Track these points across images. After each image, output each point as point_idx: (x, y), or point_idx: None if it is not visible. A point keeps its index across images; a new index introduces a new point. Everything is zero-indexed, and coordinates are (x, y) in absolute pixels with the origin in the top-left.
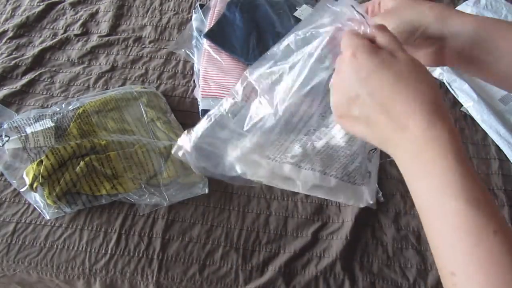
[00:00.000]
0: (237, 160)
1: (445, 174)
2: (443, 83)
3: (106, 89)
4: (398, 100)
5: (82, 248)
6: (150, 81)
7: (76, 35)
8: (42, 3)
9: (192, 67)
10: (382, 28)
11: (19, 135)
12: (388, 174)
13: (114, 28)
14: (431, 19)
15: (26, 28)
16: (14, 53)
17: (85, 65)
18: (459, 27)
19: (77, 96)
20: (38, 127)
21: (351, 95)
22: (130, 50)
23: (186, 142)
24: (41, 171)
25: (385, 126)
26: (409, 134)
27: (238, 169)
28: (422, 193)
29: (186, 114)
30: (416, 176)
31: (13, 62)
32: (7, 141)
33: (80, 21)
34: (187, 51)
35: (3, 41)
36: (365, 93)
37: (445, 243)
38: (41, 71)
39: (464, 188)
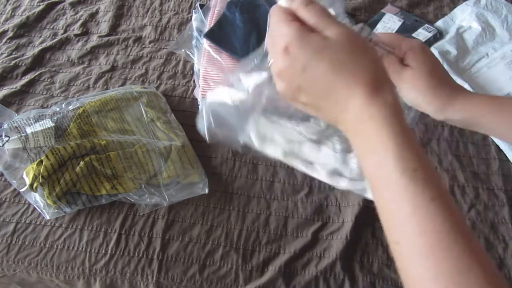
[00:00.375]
0: (252, 131)
1: (382, 149)
2: None
3: (106, 89)
4: (337, 86)
5: (82, 248)
6: (150, 81)
7: (76, 35)
8: (42, 3)
9: (192, 67)
10: (308, 2)
11: (19, 135)
12: None
13: (114, 28)
14: (432, 109)
15: (26, 28)
16: (14, 53)
17: (85, 65)
18: (453, 115)
19: (77, 96)
20: (38, 127)
21: (294, 86)
22: (130, 50)
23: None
24: (41, 171)
25: (330, 110)
26: (349, 115)
27: (254, 141)
28: (367, 169)
29: (186, 114)
30: (361, 153)
31: (13, 62)
32: (7, 141)
33: (80, 21)
34: (187, 51)
35: (3, 41)
36: (305, 85)
37: (389, 215)
38: (41, 71)
39: (400, 160)
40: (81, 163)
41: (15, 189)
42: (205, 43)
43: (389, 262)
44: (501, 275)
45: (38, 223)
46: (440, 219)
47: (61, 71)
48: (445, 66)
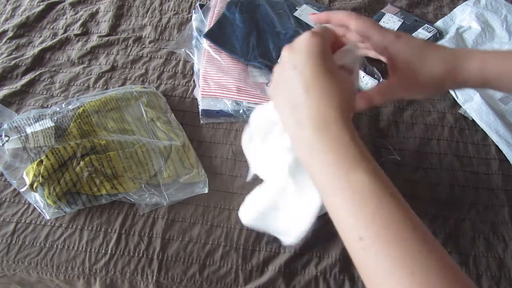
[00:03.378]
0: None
1: (342, 149)
2: None
3: (106, 89)
4: (305, 105)
5: (82, 248)
6: (150, 81)
7: (76, 35)
8: (42, 3)
9: (192, 67)
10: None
11: (19, 135)
12: (387, 174)
13: (114, 28)
14: (446, 75)
15: (26, 28)
16: (14, 53)
17: (85, 65)
18: (470, 74)
19: (77, 96)
20: (38, 127)
21: (281, 78)
22: (130, 50)
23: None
24: (41, 171)
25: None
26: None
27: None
28: (321, 172)
29: (186, 114)
30: (315, 155)
31: (13, 62)
32: (7, 141)
33: (80, 21)
34: (187, 51)
35: (3, 41)
36: (287, 83)
37: (350, 213)
38: (41, 71)
39: (361, 160)
40: (81, 163)
41: (15, 189)
42: (205, 43)
43: None
44: (457, 266)
45: (38, 223)
46: (399, 211)
47: (61, 71)
48: None
